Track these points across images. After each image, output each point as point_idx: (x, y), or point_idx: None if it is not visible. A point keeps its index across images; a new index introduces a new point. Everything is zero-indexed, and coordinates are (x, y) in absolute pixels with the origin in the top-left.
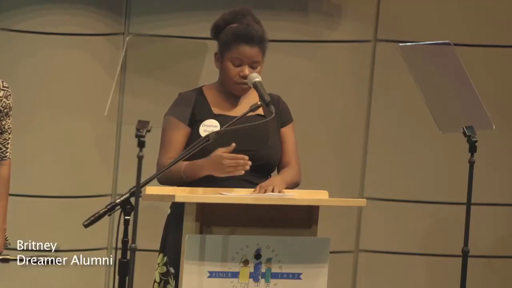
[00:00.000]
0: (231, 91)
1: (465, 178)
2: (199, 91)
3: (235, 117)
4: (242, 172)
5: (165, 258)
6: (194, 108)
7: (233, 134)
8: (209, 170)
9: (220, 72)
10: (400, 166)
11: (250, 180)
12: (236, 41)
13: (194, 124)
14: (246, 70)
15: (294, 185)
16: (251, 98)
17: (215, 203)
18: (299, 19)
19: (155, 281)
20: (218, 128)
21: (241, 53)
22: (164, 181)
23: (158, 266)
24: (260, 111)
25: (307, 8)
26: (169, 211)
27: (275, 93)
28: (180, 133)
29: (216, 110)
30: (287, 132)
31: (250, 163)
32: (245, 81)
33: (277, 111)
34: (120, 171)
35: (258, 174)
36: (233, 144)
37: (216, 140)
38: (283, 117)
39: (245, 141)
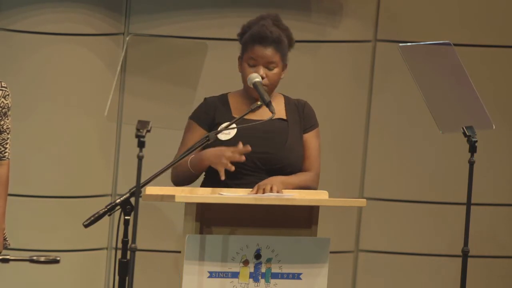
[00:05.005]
0: (250, 94)
1: (465, 178)
2: (224, 96)
3: (254, 120)
4: (232, 168)
5: None
6: (215, 112)
7: (251, 136)
8: (209, 159)
9: (241, 76)
10: (400, 166)
11: None
12: (251, 42)
13: (213, 127)
14: (261, 70)
15: (305, 189)
16: (275, 103)
17: (215, 203)
18: (301, 17)
19: None
20: (235, 131)
21: (255, 53)
22: (177, 181)
23: None
24: (283, 115)
25: (310, 6)
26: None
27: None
28: (196, 137)
29: (236, 115)
30: (310, 137)
31: (243, 158)
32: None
33: (301, 116)
34: (120, 171)
35: None
36: (248, 146)
37: (233, 142)
38: (307, 122)
39: (263, 143)
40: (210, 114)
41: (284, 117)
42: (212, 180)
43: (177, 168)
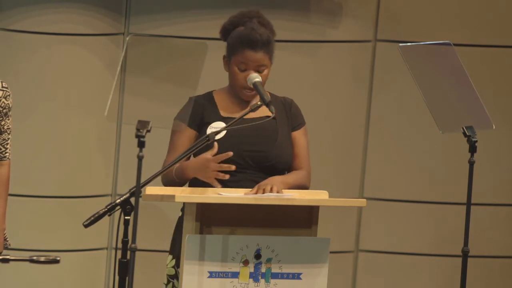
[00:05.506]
0: (240, 96)
1: (465, 178)
2: (209, 95)
3: (243, 119)
4: (227, 176)
5: (174, 260)
6: (202, 111)
7: (242, 135)
8: (194, 172)
9: (228, 76)
10: (400, 166)
11: (258, 181)
12: (240, 46)
13: (202, 127)
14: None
15: (299, 188)
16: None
17: (215, 203)
18: (301, 18)
19: (163, 283)
20: (225, 130)
21: (246, 58)
22: (166, 184)
23: (167, 268)
24: (269, 112)
25: (309, 7)
26: (180, 213)
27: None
28: (185, 137)
29: (224, 113)
30: (298, 135)
31: (233, 167)
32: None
33: (288, 114)
34: (120, 171)
35: (266, 176)
36: (229, 153)
37: (225, 140)
38: (295, 121)
39: (253, 142)
40: (198, 113)
41: (270, 114)
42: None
43: (166, 175)
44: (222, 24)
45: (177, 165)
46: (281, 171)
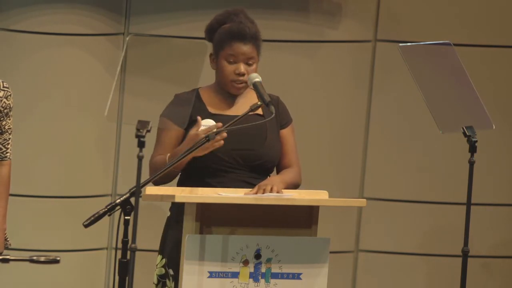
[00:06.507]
0: (228, 91)
1: (465, 178)
2: (195, 92)
3: (232, 116)
4: (222, 143)
5: (164, 260)
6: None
7: (231, 133)
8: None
9: (216, 73)
10: (400, 166)
11: (248, 181)
12: (229, 39)
13: (190, 124)
14: (242, 67)
15: (294, 186)
16: (248, 98)
17: (215, 203)
18: (300, 18)
19: (153, 283)
20: (214, 128)
21: (235, 50)
22: (156, 180)
23: (157, 268)
24: (259, 110)
25: (308, 7)
26: (168, 213)
27: (274, 92)
28: (172, 134)
29: (212, 110)
30: (287, 133)
31: (220, 124)
32: (241, 78)
33: (276, 112)
34: (120, 171)
35: (256, 175)
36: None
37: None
38: (283, 119)
39: (243, 140)
40: (186, 110)
41: (261, 113)
42: (190, 179)
43: (158, 167)
44: (208, 23)
45: (168, 155)
46: (269, 170)
